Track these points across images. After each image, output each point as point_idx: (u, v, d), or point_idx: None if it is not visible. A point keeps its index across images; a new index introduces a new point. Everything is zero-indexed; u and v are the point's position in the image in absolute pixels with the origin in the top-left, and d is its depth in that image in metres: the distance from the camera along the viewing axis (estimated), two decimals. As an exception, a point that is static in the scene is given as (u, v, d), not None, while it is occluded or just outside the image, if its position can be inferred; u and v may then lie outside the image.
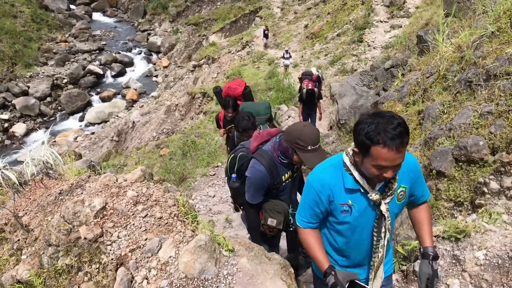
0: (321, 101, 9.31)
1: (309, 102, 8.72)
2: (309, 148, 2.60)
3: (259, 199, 3.05)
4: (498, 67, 3.89)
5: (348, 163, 1.97)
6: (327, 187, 2.00)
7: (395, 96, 6.15)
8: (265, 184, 2.94)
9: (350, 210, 2.00)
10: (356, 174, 1.94)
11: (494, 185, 3.52)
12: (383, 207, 1.98)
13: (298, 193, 3.39)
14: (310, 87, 8.51)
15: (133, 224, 2.53)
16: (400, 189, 2.04)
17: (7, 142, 24.53)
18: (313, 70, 11.16)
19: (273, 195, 3.10)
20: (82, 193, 2.85)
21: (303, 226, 2.15)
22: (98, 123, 26.90)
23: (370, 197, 1.95)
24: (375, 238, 2.09)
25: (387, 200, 1.98)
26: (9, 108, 26.80)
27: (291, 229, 3.23)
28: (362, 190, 1.97)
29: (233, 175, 3.25)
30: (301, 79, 8.99)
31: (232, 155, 3.32)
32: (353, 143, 1.93)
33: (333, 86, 12.93)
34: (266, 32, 24.98)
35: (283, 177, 3.01)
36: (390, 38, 16.54)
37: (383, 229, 2.06)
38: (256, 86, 17.64)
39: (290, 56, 18.85)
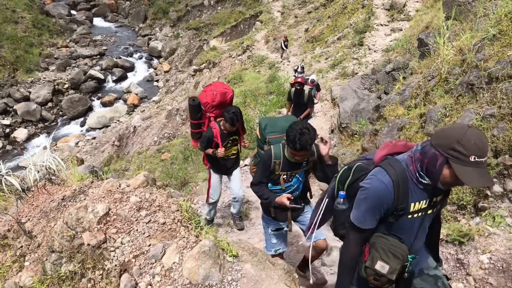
0: (314, 109, 8.90)
1: (298, 103, 8.30)
2: (472, 159, 1.74)
3: (369, 224, 2.10)
4: (500, 70, 3.89)
5: None
6: None
7: (396, 100, 6.15)
8: (385, 204, 2.03)
9: None
10: None
11: (497, 188, 3.51)
12: None
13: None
14: (298, 80, 7.93)
15: (137, 230, 2.53)
16: None
17: (8, 147, 24.58)
18: (314, 77, 11.13)
19: (388, 227, 2.15)
20: (85, 199, 2.85)
21: None
22: (99, 128, 26.96)
23: None
24: None
25: None
26: (11, 114, 26.87)
27: (405, 276, 2.20)
28: None
29: (342, 193, 2.32)
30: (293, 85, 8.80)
31: (346, 167, 2.40)
32: None
33: (334, 90, 12.95)
34: (285, 43, 21.93)
35: (412, 204, 2.05)
36: (391, 41, 16.56)
37: None
38: (257, 90, 17.66)
39: (303, 72, 18.21)
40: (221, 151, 4.70)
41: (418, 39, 7.82)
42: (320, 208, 2.53)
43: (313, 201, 3.75)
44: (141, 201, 2.72)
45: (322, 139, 3.21)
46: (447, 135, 1.83)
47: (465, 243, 3.20)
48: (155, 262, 2.36)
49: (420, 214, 2.10)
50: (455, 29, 5.92)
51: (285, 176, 3.36)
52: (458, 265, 3.15)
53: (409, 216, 2.08)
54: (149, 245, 2.44)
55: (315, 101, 9.88)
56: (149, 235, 2.50)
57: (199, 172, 9.50)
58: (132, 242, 2.46)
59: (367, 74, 11.39)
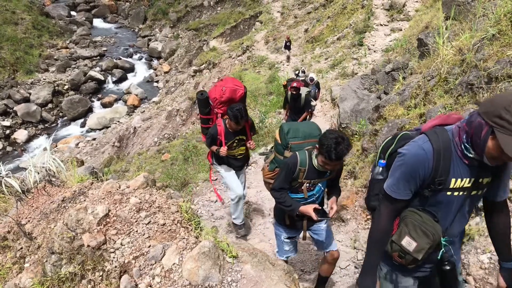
0: (314, 111, 8.65)
1: (294, 107, 7.97)
2: None
3: (403, 194, 1.94)
4: (499, 70, 3.89)
5: None
6: None
7: (396, 100, 6.15)
8: (421, 173, 1.87)
9: None
10: None
11: (497, 188, 3.51)
12: None
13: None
14: (294, 85, 7.62)
15: (136, 231, 2.53)
16: None
17: (9, 148, 24.59)
18: (313, 75, 11.06)
19: (423, 201, 1.98)
20: (85, 200, 2.85)
21: None
22: (100, 129, 26.97)
23: None
24: None
25: None
26: (11, 115, 26.88)
27: (447, 268, 2.00)
28: None
29: (382, 161, 2.17)
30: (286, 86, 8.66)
31: (390, 137, 2.24)
32: None
33: (334, 90, 12.97)
34: (288, 43, 21.48)
35: (453, 180, 1.87)
36: (391, 41, 16.58)
37: None
38: (257, 90, 17.69)
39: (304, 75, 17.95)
40: (223, 150, 4.54)
41: (418, 39, 7.82)
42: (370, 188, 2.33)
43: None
44: (140, 202, 2.72)
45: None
46: (494, 102, 1.64)
47: (465, 243, 3.20)
48: (155, 263, 2.36)
49: (461, 193, 1.91)
50: (454, 29, 5.92)
51: (307, 185, 3.20)
52: (458, 265, 3.15)
53: (448, 193, 1.90)
54: (149, 246, 2.44)
55: (313, 103, 9.67)
56: (148, 236, 2.50)
57: (199, 172, 9.50)
58: (132, 243, 2.46)
59: (367, 74, 11.39)
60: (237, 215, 5.25)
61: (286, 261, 3.67)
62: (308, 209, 3.06)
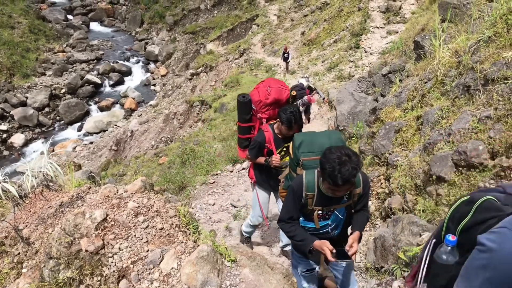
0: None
1: None
2: None
3: None
4: (495, 72, 3.90)
5: None
6: None
7: (393, 102, 6.16)
8: None
9: None
10: None
11: (494, 189, 3.51)
12: None
13: None
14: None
15: (135, 235, 2.52)
16: None
17: (5, 153, 24.53)
18: (303, 81, 10.78)
19: None
20: (82, 205, 2.84)
21: None
22: (97, 133, 26.95)
23: None
24: None
25: None
26: (8, 119, 26.84)
27: None
28: None
29: (450, 238, 1.41)
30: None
31: (465, 197, 1.48)
32: None
33: (331, 93, 12.98)
34: (286, 55, 19.01)
35: None
36: (387, 43, 16.62)
37: None
38: (254, 93, 17.67)
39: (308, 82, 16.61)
40: (276, 158, 3.78)
41: (414, 41, 7.85)
42: (425, 255, 1.61)
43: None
44: (138, 206, 2.71)
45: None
46: None
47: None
48: (153, 267, 2.35)
49: None
50: (450, 32, 5.95)
51: (320, 212, 2.56)
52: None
53: None
54: (147, 251, 2.43)
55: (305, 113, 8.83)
56: (147, 241, 2.49)
57: (197, 176, 9.49)
58: (130, 247, 2.45)
59: (364, 76, 11.42)
60: (248, 231, 4.88)
61: None
62: (323, 246, 2.41)
